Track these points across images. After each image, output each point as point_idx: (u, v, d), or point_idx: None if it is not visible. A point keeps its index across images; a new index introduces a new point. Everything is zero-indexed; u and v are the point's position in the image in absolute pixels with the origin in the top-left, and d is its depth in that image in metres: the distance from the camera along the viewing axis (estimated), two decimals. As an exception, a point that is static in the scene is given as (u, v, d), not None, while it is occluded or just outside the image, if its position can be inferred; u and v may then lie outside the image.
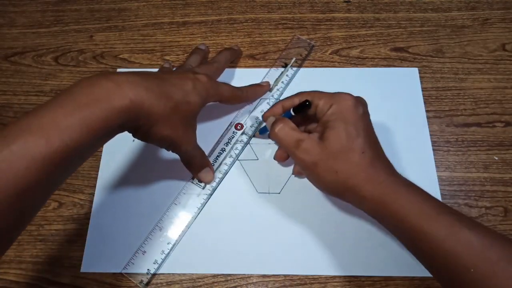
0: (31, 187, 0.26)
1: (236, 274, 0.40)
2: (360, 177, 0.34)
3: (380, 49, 0.51)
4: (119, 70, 0.51)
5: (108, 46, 0.53)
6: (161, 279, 0.40)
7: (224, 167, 0.44)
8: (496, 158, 0.44)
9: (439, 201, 0.33)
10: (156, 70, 0.50)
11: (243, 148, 0.45)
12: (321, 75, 0.49)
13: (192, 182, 0.43)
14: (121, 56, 0.52)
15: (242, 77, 0.49)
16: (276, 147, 0.45)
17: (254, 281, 0.40)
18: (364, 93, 0.47)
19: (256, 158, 0.45)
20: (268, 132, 0.40)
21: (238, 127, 0.46)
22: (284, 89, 0.48)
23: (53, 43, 0.53)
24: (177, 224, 0.41)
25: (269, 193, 0.43)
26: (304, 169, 0.37)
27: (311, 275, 0.39)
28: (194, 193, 0.43)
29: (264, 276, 0.40)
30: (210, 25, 0.54)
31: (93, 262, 0.40)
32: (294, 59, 0.49)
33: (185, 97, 0.35)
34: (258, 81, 0.49)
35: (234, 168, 0.44)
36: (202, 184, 0.43)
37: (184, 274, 0.40)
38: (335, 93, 0.37)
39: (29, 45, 0.53)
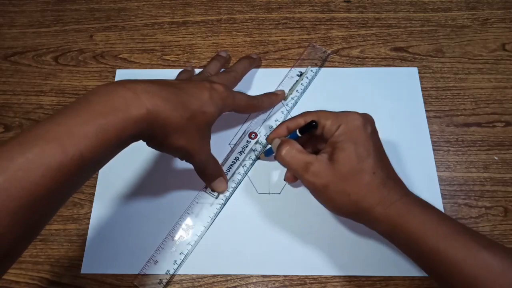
0: (45, 196, 0.26)
1: (236, 274, 0.40)
2: (372, 198, 0.33)
3: (380, 49, 0.51)
4: (118, 70, 0.51)
5: (108, 46, 0.53)
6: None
7: (237, 177, 0.43)
8: (496, 158, 0.44)
9: (454, 220, 0.33)
10: (156, 70, 0.51)
11: (257, 157, 0.44)
12: (321, 75, 0.49)
13: (205, 192, 0.43)
14: (121, 55, 0.52)
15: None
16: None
17: (254, 281, 0.40)
18: (364, 93, 0.48)
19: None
20: (273, 154, 0.39)
21: (252, 136, 0.45)
22: (299, 98, 0.47)
23: (53, 42, 0.53)
24: (190, 234, 0.41)
25: (269, 193, 0.43)
26: (313, 192, 0.36)
27: (311, 275, 0.39)
28: (207, 203, 0.42)
29: (264, 276, 0.40)
30: (210, 25, 0.54)
31: (93, 264, 0.40)
32: (309, 67, 0.49)
33: (201, 107, 0.35)
34: (258, 80, 0.49)
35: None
36: (215, 194, 0.43)
37: (184, 274, 0.40)
38: (342, 112, 0.36)
39: (29, 45, 0.53)
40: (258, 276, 0.40)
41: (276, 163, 0.44)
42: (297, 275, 0.40)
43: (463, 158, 0.44)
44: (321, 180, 0.34)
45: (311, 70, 0.49)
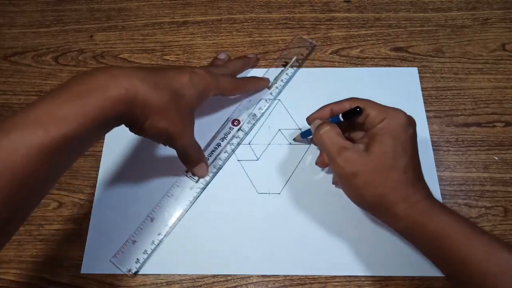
0: (28, 177, 0.26)
1: (236, 274, 0.40)
2: (397, 195, 0.34)
3: (380, 49, 0.51)
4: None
5: (108, 46, 0.53)
6: (161, 279, 0.40)
7: (218, 162, 0.44)
8: (496, 158, 0.44)
9: (473, 222, 0.33)
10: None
11: (238, 144, 0.45)
12: (321, 75, 0.49)
13: (186, 176, 0.43)
14: (121, 56, 0.52)
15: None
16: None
17: (254, 281, 0.40)
18: (364, 93, 0.47)
19: (256, 159, 0.45)
20: (310, 136, 0.39)
21: (235, 123, 0.46)
22: (283, 87, 0.48)
23: (53, 43, 0.53)
24: (169, 216, 0.42)
25: (269, 193, 0.43)
26: (341, 178, 0.36)
27: (311, 275, 0.39)
28: (187, 186, 0.43)
29: (264, 276, 0.40)
30: (210, 25, 0.54)
31: (93, 263, 0.40)
32: (294, 58, 0.49)
33: (181, 90, 0.35)
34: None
35: (234, 169, 0.44)
36: (196, 178, 0.43)
37: (184, 274, 0.40)
38: (388, 107, 0.36)
39: (29, 45, 0.53)
40: (258, 276, 0.40)
41: (276, 163, 0.44)
42: (297, 275, 0.40)
43: (463, 158, 0.44)
44: (352, 168, 0.34)
45: (297, 61, 0.49)
